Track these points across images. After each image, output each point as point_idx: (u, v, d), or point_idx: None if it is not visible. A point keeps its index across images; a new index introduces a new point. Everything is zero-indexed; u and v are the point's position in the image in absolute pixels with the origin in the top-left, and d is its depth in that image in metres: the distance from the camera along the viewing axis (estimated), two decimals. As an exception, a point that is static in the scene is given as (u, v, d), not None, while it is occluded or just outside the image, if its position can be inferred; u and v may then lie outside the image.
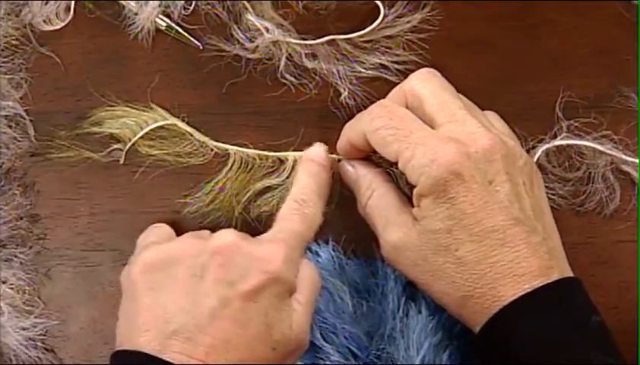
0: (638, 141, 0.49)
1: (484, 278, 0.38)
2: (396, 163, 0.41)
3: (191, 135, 0.49)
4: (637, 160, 0.48)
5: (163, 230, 0.45)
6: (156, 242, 0.42)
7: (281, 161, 0.49)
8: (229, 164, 0.49)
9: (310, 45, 0.50)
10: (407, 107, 0.42)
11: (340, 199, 0.48)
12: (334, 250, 0.47)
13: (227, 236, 0.40)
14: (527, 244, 0.38)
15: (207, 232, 0.43)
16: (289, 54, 0.50)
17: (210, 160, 0.49)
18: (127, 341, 0.39)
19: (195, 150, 0.49)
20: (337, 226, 0.48)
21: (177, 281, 0.39)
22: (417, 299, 0.45)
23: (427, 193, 0.39)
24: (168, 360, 0.36)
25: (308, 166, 0.44)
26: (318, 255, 0.47)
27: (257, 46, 0.50)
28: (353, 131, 0.43)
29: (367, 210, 0.44)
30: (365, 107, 0.44)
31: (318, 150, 0.45)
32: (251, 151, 0.49)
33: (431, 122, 0.41)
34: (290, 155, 0.49)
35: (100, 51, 0.51)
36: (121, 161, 0.49)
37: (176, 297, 0.38)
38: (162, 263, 0.40)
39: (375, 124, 0.41)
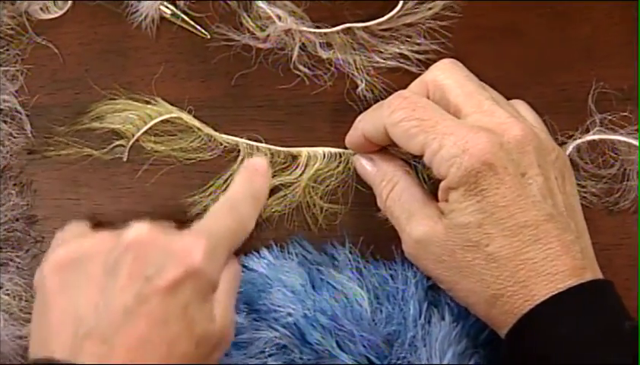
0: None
1: (516, 276, 0.38)
2: (416, 157, 0.41)
3: (199, 129, 0.49)
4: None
5: (79, 227, 0.44)
6: (68, 240, 0.41)
7: (294, 157, 0.49)
8: (239, 160, 0.49)
9: (325, 33, 0.49)
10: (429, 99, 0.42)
11: (357, 198, 0.48)
12: (350, 253, 0.47)
13: (142, 229, 0.39)
14: (560, 242, 0.38)
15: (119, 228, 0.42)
16: (303, 43, 0.50)
17: (219, 156, 0.49)
18: (39, 348, 0.38)
19: (203, 144, 0.49)
20: (354, 227, 0.47)
21: (89, 279, 0.38)
22: (440, 304, 0.45)
23: (457, 185, 0.39)
24: None
25: (246, 171, 0.44)
26: (333, 257, 0.47)
27: (268, 35, 0.49)
28: (369, 124, 0.43)
29: (388, 203, 0.43)
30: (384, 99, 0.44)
31: (258, 159, 0.44)
32: (262, 146, 0.49)
33: (456, 114, 0.41)
34: (304, 151, 0.48)
35: (101, 41, 0.51)
36: (125, 158, 0.49)
37: (89, 296, 0.37)
38: (73, 261, 0.39)
39: (397, 116, 0.40)
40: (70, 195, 0.49)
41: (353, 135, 0.45)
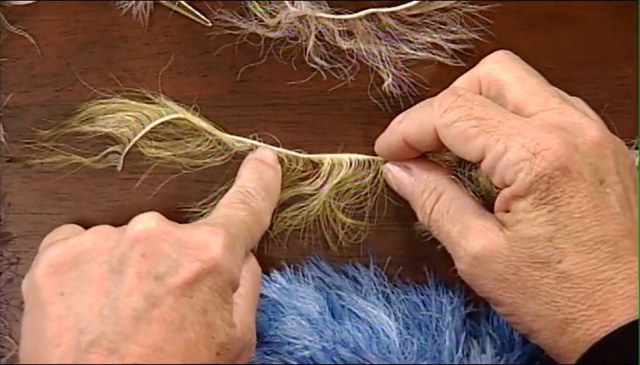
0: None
1: (592, 298, 0.36)
2: (461, 165, 0.40)
3: (208, 132, 0.47)
4: None
5: (71, 227, 0.43)
6: (63, 239, 0.40)
7: (315, 165, 0.47)
8: None
9: (345, 20, 0.47)
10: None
11: (384, 212, 0.46)
12: (376, 275, 0.46)
13: (150, 220, 0.38)
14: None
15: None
16: (320, 32, 0.48)
17: (230, 162, 0.47)
18: (35, 362, 0.37)
19: (212, 149, 0.47)
20: (380, 246, 0.46)
21: (91, 281, 0.37)
22: (480, 335, 0.44)
23: (525, 193, 0.37)
24: None
25: (254, 163, 0.44)
26: (356, 280, 0.46)
27: (279, 23, 0.48)
28: (413, 126, 0.42)
29: (434, 217, 0.42)
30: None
31: (265, 151, 0.45)
32: (281, 150, 0.47)
33: (518, 113, 0.39)
34: (327, 158, 0.47)
35: (85, 30, 0.49)
36: (119, 167, 0.47)
37: (91, 301, 0.36)
38: (71, 261, 0.38)
39: (452, 116, 0.39)
40: (49, 210, 0.47)
41: (389, 140, 0.43)
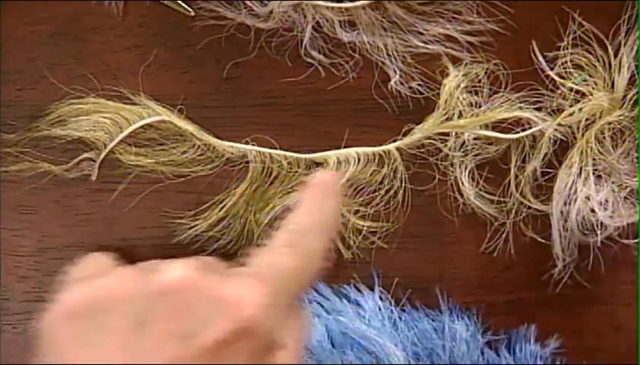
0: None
1: None
2: None
3: (195, 136, 0.46)
4: None
5: (101, 260, 0.41)
6: (86, 278, 0.38)
7: (318, 166, 0.46)
8: (250, 175, 0.46)
9: (346, 9, 0.46)
10: None
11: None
12: (381, 299, 0.45)
13: (180, 270, 0.36)
14: None
15: (159, 262, 0.40)
16: (318, 22, 0.47)
17: (222, 169, 0.46)
18: None
19: (200, 155, 0.46)
20: (386, 265, 0.45)
21: (109, 334, 0.35)
22: None
23: None
24: None
25: (314, 191, 0.42)
26: (358, 305, 0.45)
27: (271, 12, 0.46)
28: None
29: None
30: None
31: (328, 174, 0.43)
32: (280, 152, 0.46)
33: None
34: (332, 155, 0.45)
35: (52, 20, 0.47)
36: (94, 176, 0.46)
37: (109, 357, 0.35)
38: (91, 307, 0.36)
39: None
40: (11, 225, 0.45)
41: None
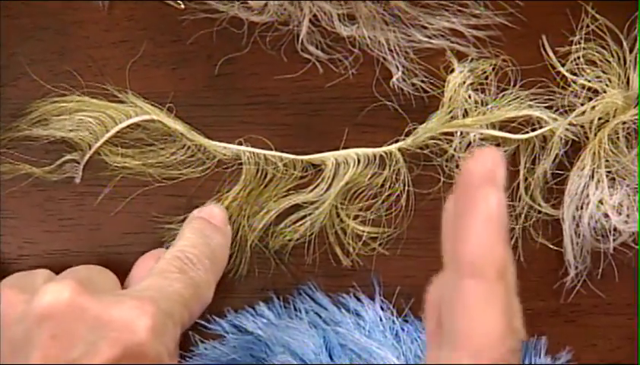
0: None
1: None
2: None
3: (185, 137, 0.45)
4: None
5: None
6: None
7: (315, 168, 0.45)
8: (243, 178, 0.45)
9: (346, 1, 0.46)
10: None
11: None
12: (382, 309, 0.44)
13: (62, 291, 0.35)
14: None
15: (41, 274, 0.39)
16: (315, 15, 0.46)
17: (214, 172, 0.45)
18: None
19: (190, 157, 0.45)
20: (387, 273, 0.44)
21: None
22: None
23: None
24: None
25: (200, 224, 0.42)
26: (358, 315, 0.44)
27: (265, 5, 0.46)
28: None
29: None
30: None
31: (214, 209, 0.43)
32: (276, 154, 0.45)
33: None
34: (330, 157, 0.44)
35: (35, 14, 0.46)
36: (78, 179, 0.45)
37: None
38: None
39: None
40: None
41: None
